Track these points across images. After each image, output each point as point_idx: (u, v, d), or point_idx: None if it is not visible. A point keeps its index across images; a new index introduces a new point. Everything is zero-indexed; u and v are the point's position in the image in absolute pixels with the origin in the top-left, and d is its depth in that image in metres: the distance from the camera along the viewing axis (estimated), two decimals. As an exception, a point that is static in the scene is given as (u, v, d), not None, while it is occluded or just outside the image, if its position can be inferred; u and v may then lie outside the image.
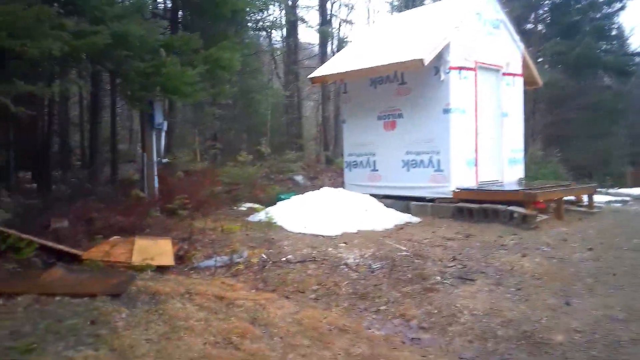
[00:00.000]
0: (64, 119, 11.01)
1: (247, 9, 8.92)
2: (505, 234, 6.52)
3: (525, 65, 9.50)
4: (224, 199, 8.50)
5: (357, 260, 5.13)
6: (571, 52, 19.31)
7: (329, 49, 16.28)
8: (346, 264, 5.04)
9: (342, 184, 9.63)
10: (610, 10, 21.37)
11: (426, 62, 7.40)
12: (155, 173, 6.89)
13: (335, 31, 17.28)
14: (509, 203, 7.24)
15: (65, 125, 11.41)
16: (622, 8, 21.21)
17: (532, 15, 23.05)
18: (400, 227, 7.00)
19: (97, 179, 8.63)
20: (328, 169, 13.01)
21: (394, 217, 7.37)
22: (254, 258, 5.01)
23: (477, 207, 7.37)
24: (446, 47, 7.80)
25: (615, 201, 10.65)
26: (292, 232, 6.51)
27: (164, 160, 7.34)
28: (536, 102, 19.85)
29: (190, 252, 5.06)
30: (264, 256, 5.14)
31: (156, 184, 6.88)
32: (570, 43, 19.60)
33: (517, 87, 9.22)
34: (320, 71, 9.38)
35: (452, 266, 5.09)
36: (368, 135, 9.11)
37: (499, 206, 7.17)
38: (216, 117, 12.02)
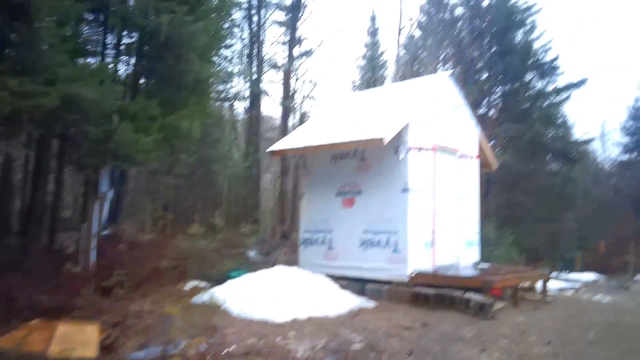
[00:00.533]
0: (5, 182, 10.31)
1: (211, 80, 8.87)
2: (462, 323, 6.27)
3: (481, 148, 9.74)
4: (169, 275, 7.94)
5: (307, 354, 4.71)
6: (522, 137, 20.28)
7: (290, 123, 16.48)
8: (295, 359, 4.60)
9: (296, 262, 9.26)
10: (557, 99, 22.89)
11: (386, 142, 7.41)
12: (94, 245, 6.35)
13: (297, 105, 17.64)
14: (466, 289, 7.06)
15: (8, 188, 10.70)
16: (567, 98, 22.80)
17: (485, 101, 24.42)
18: (355, 313, 6.63)
19: (30, 249, 7.91)
20: (284, 244, 12.64)
21: (349, 301, 7.01)
22: (192, 349, 4.51)
23: (434, 293, 7.14)
24: (405, 128, 7.88)
25: (567, 288, 10.70)
26: (239, 316, 6.04)
27: (105, 232, 6.82)
28: (489, 184, 20.52)
29: (121, 340, 4.51)
30: (204, 347, 4.64)
31: (93, 258, 6.33)
32: (521, 128, 20.65)
33: (473, 169, 9.38)
34: (280, 145, 9.28)
35: (408, 362, 4.74)
36: (326, 211, 8.91)
37: (456, 293, 6.97)
38: (171, 186, 11.61)
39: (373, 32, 28.64)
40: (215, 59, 10.15)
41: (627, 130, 35.32)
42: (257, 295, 6.51)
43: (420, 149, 8.16)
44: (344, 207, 8.67)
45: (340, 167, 8.83)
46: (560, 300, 8.68)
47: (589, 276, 15.76)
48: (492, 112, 25.41)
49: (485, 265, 10.25)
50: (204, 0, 8.71)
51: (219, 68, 10.77)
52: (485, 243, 18.60)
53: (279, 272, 7.38)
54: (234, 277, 7.75)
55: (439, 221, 8.39)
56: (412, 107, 8.22)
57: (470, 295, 6.85)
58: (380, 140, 7.41)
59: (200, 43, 8.10)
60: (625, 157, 35.12)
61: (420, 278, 7.62)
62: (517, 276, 7.76)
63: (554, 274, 14.41)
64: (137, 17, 7.97)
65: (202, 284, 8.08)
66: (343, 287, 7.73)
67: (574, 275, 15.50)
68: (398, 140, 7.88)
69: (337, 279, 8.03)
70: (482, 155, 9.77)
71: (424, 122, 8.30)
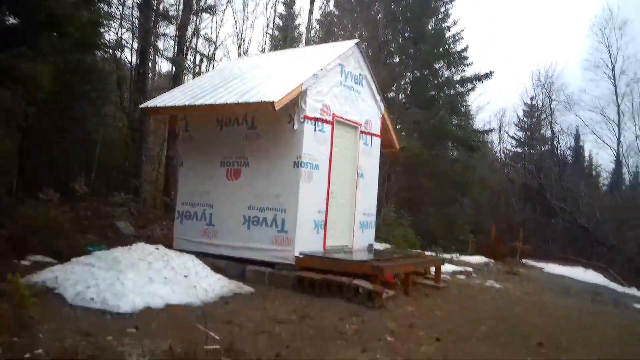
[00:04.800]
0: None
1: (73, 17, 7.18)
2: (347, 314, 5.53)
3: (384, 127, 9.09)
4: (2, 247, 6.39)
5: (140, 361, 3.62)
6: (427, 123, 20.36)
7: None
8: (120, 370, 3.50)
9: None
10: (462, 89, 23.33)
11: (277, 107, 6.38)
12: None
13: (192, 65, 15.99)
14: (356, 275, 6.36)
15: None
16: (472, 89, 23.33)
17: (395, 85, 24.31)
18: (225, 301, 5.64)
19: None
20: (167, 216, 11.27)
21: (221, 286, 5.98)
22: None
23: (320, 278, 6.34)
24: (303, 95, 6.93)
25: (459, 272, 10.55)
26: (73, 304, 4.79)
27: None
28: (392, 165, 20.46)
29: None
30: (-4, 352, 3.38)
31: None
32: (427, 114, 20.73)
33: (374, 148, 8.70)
34: (157, 101, 7.91)
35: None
36: (207, 183, 7.77)
37: (344, 279, 6.22)
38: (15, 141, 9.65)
39: (289, 3, 27.38)
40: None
41: (520, 126, 37.64)
42: (105, 278, 5.26)
43: (317, 120, 7.26)
44: (228, 180, 7.58)
45: (227, 134, 7.71)
46: (453, 286, 8.36)
47: (480, 259, 16.12)
48: (401, 96, 25.45)
49: (380, 249, 9.74)
50: None
51: (94, 9, 9.02)
52: (385, 223, 18.53)
53: (140, 250, 6.14)
54: (91, 252, 6.40)
55: (333, 200, 7.62)
56: (312, 73, 7.26)
57: (358, 282, 6.14)
58: (271, 104, 6.36)
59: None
60: (518, 150, 37.48)
61: (307, 261, 6.79)
62: (410, 262, 7.22)
63: (447, 256, 14.50)
64: None
65: (47, 259, 6.66)
66: (220, 269, 6.73)
67: (466, 258, 15.77)
68: (293, 108, 6.92)
69: (215, 258, 7.01)
70: (385, 134, 9.13)
71: (324, 92, 7.40)
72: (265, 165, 7.29)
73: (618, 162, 30.31)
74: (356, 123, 8.15)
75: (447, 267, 10.98)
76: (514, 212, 27.25)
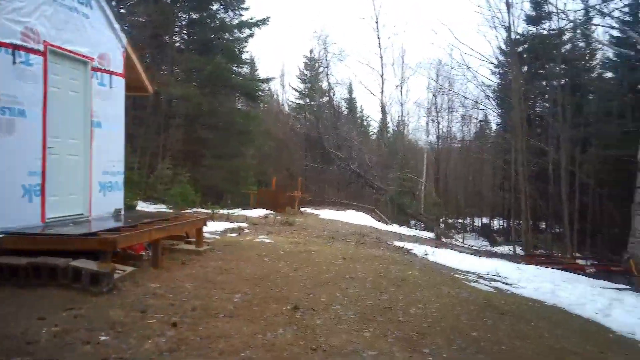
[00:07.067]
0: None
1: None
2: (57, 310, 4.12)
3: (130, 65, 7.47)
4: None
5: None
6: (204, 70, 18.90)
7: None
8: None
9: None
10: (240, 35, 22.32)
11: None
12: None
13: None
14: (80, 253, 4.92)
15: None
16: (251, 35, 22.51)
17: (170, 27, 21.99)
18: None
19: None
20: None
21: None
22: None
23: (25, 263, 4.72)
24: None
25: (232, 229, 9.84)
26: None
27: None
28: (168, 117, 18.63)
29: None
30: None
31: None
32: (205, 60, 19.23)
33: (116, 91, 7.05)
34: None
35: None
36: None
37: (60, 261, 4.73)
38: None
39: None
40: None
41: (301, 78, 38.93)
42: None
43: (17, 47, 5.32)
44: None
45: None
46: (218, 248, 7.50)
47: (261, 212, 15.89)
48: (178, 40, 23.26)
49: (135, 214, 8.33)
50: None
51: None
52: (160, 182, 16.86)
53: None
54: None
55: (55, 158, 5.88)
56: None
57: (79, 262, 4.73)
58: None
59: None
60: (300, 101, 38.87)
61: (12, 242, 5.03)
62: (161, 227, 6.02)
63: (224, 212, 13.78)
64: None
65: None
66: None
67: (247, 212, 15.33)
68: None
69: None
70: (131, 74, 7.53)
71: (27, 10, 5.44)
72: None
73: (383, 111, 33.76)
74: (85, 57, 6.38)
75: (219, 226, 10.19)
76: (296, 161, 28.20)
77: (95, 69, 6.56)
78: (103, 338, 3.65)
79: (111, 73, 6.90)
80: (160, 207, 15.02)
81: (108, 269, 4.68)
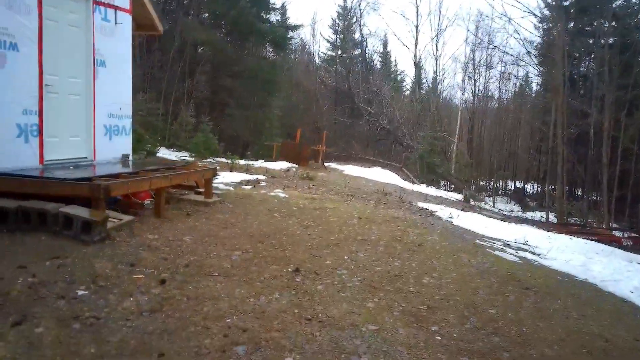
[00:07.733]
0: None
1: None
2: (42, 259, 3.86)
3: (139, 1, 6.96)
4: None
5: None
6: (228, 15, 18.14)
7: None
8: None
9: None
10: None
11: None
12: None
13: None
14: (72, 200, 4.64)
15: None
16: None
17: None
18: None
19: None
20: None
21: None
22: None
23: (15, 207, 4.46)
24: None
25: (248, 181, 9.49)
26: None
27: None
28: (194, 63, 18.11)
29: None
30: None
31: None
32: (229, 4, 18.42)
33: (121, 27, 6.58)
34: None
35: None
36: None
37: (50, 206, 4.45)
38: None
39: None
40: None
41: (333, 28, 37.51)
42: None
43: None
44: None
45: None
46: (230, 200, 7.16)
47: (284, 165, 15.49)
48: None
49: (150, 161, 8.05)
50: None
51: None
52: (182, 129, 16.59)
53: None
54: None
55: (54, 97, 5.53)
56: None
57: (70, 208, 4.43)
58: None
59: None
60: (332, 53, 37.63)
61: (3, 183, 4.78)
62: (163, 176, 5.66)
63: (243, 163, 13.46)
64: None
65: None
66: None
67: (270, 165, 14.95)
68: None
69: None
70: (139, 10, 7.03)
71: None
72: None
73: (417, 65, 32.30)
74: (87, -10, 5.90)
75: (235, 177, 9.85)
76: (325, 115, 27.49)
77: (97, 2, 6.08)
78: (81, 293, 3.37)
79: (116, 8, 6.41)
80: (183, 155, 14.81)
81: (99, 217, 4.37)
